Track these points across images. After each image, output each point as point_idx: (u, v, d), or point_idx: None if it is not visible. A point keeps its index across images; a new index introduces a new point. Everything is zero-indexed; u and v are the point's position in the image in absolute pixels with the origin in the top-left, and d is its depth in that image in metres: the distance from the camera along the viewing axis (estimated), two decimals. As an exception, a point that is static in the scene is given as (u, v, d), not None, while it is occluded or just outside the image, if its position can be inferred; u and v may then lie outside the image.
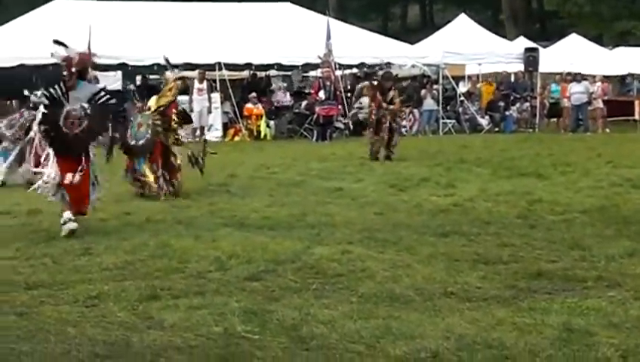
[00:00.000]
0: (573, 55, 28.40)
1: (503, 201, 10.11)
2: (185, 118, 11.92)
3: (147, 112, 11.48)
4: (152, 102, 11.64)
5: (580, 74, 24.74)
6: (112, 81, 26.42)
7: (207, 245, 7.53)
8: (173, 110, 11.60)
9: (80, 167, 8.42)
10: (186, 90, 22.71)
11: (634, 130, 24.61)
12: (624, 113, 26.48)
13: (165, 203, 10.48)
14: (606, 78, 27.05)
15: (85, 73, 9.02)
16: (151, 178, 11.14)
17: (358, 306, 5.51)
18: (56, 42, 9.27)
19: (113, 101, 8.83)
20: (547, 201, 10.02)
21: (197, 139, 22.56)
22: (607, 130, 24.43)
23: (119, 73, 25.64)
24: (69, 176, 8.39)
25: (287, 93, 26.83)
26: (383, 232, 8.12)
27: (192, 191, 11.50)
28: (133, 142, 11.27)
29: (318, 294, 5.86)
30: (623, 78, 31.55)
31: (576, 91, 23.94)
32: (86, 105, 8.50)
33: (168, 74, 12.09)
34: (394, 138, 16.05)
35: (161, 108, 11.42)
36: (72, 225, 8.25)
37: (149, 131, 11.28)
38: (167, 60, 12.35)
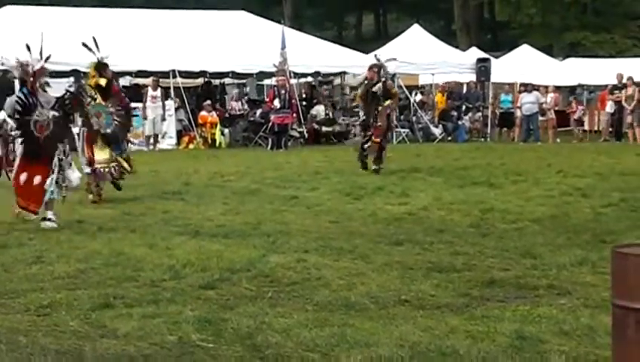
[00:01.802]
0: (525, 65, 28.80)
1: (456, 210, 10.21)
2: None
3: (94, 103, 11.54)
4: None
5: (530, 84, 25.09)
6: (64, 87, 26.12)
7: (161, 253, 7.49)
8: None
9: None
10: (139, 97, 22.60)
11: (583, 140, 25.03)
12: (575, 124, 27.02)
13: (118, 211, 10.38)
14: (557, 89, 27.46)
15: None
16: (125, 163, 11.63)
17: (314, 314, 5.52)
18: (28, 48, 10.09)
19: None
20: (499, 210, 10.15)
21: (151, 147, 22.49)
22: (558, 140, 24.80)
23: (71, 79, 25.35)
24: (23, 176, 9.17)
25: (241, 101, 26.78)
26: (338, 241, 8.15)
27: (146, 199, 11.43)
28: (104, 131, 11.52)
29: (274, 302, 5.86)
30: (573, 88, 32.05)
31: (527, 101, 24.26)
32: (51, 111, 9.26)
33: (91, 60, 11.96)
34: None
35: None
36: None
37: (112, 118, 11.59)
38: (85, 45, 12.04)
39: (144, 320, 5.39)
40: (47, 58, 10.06)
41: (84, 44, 11.83)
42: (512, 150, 20.56)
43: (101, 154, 11.52)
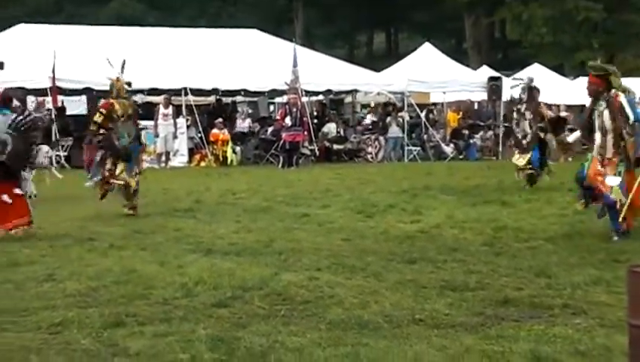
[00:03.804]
0: (536, 84, 28.70)
1: (469, 228, 10.15)
2: None
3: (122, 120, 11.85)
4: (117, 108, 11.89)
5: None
6: (77, 105, 26.29)
7: (173, 271, 7.46)
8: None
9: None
10: (151, 114, 22.68)
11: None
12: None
13: (129, 228, 10.37)
14: (568, 108, 27.40)
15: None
16: (132, 181, 11.85)
17: (327, 333, 5.47)
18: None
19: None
20: (512, 229, 10.08)
21: (162, 165, 22.53)
22: (570, 159, 24.69)
23: (83, 97, 25.49)
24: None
25: (248, 120, 26.84)
26: (351, 258, 8.10)
27: (157, 217, 11.42)
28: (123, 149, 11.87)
29: (286, 321, 5.82)
30: (584, 107, 31.98)
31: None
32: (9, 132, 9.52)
33: (111, 76, 12.08)
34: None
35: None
36: None
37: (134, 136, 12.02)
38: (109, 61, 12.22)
39: (156, 338, 5.36)
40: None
41: (108, 61, 11.95)
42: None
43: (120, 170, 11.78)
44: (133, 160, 12.06)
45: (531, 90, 15.27)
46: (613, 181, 9.00)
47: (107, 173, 11.77)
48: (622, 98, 9.10)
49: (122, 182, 11.79)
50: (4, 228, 9.66)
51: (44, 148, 13.69)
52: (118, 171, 11.80)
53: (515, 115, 15.57)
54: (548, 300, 6.38)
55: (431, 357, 4.95)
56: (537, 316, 5.96)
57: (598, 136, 9.29)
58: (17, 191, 9.79)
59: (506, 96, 26.29)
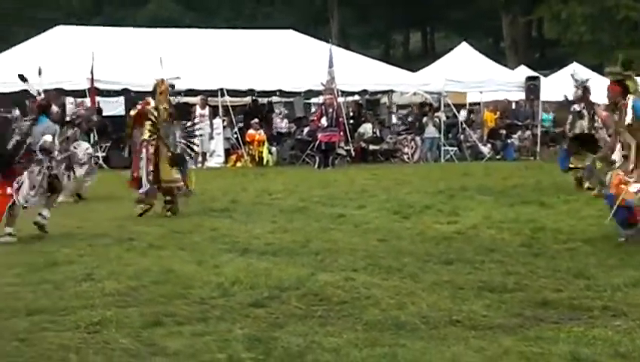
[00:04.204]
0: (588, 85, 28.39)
1: (507, 229, 10.06)
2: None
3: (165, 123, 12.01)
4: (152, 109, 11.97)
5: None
6: (115, 106, 26.53)
7: (210, 271, 7.49)
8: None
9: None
10: (187, 115, 22.81)
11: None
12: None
13: (167, 228, 10.44)
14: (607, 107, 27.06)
15: None
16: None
17: (364, 334, 5.46)
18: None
19: None
20: (551, 230, 9.97)
21: (199, 165, 22.66)
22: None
23: (121, 99, 25.72)
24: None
25: (285, 120, 26.90)
26: (387, 259, 8.08)
27: (194, 217, 11.49)
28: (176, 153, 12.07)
29: (323, 321, 5.81)
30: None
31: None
32: None
33: (156, 78, 12.17)
34: None
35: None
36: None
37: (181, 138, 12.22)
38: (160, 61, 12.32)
39: (194, 338, 5.38)
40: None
41: (160, 61, 12.09)
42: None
43: (169, 174, 11.85)
44: (185, 166, 12.25)
45: (585, 90, 15.03)
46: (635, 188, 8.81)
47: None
48: (630, 101, 8.95)
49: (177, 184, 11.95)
50: None
51: (84, 145, 13.91)
52: (168, 175, 11.86)
53: (570, 115, 15.19)
54: (587, 302, 6.31)
55: (469, 359, 4.92)
56: (576, 318, 5.89)
57: (618, 144, 9.17)
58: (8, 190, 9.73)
59: (544, 96, 26.11)
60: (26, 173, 9.68)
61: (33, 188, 9.70)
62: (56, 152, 9.96)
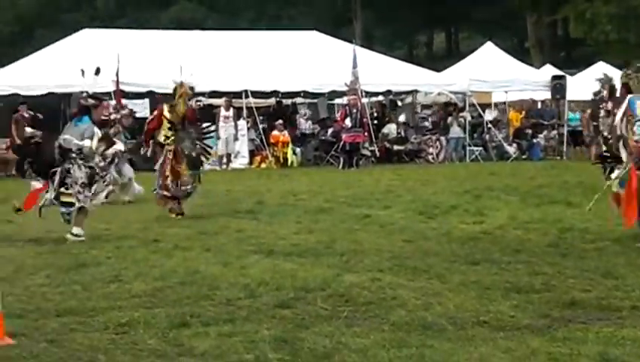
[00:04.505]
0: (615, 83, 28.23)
1: (533, 229, 10.01)
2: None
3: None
4: (166, 113, 12.00)
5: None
6: (140, 108, 26.65)
7: (236, 272, 7.51)
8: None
9: None
10: (212, 117, 22.89)
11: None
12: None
13: (193, 230, 10.48)
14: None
15: None
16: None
17: (390, 335, 5.44)
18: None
19: None
20: (578, 230, 9.91)
21: (224, 167, 22.73)
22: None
23: (147, 101, 25.84)
24: None
25: (310, 121, 26.90)
26: (413, 260, 8.06)
27: (220, 218, 11.52)
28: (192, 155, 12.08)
29: (349, 322, 5.80)
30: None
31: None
32: None
33: (175, 80, 12.19)
34: None
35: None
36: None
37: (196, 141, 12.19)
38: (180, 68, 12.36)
39: (221, 338, 5.40)
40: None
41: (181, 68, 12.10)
42: (589, 168, 20.09)
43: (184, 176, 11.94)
44: (199, 168, 12.26)
45: (613, 89, 14.89)
46: None
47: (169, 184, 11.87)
48: (627, 98, 8.98)
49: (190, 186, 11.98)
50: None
51: (119, 145, 13.99)
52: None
53: (602, 113, 15.06)
54: (616, 302, 6.26)
55: (497, 360, 4.89)
56: (605, 318, 5.85)
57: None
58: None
59: (570, 95, 25.92)
60: (60, 168, 9.85)
61: (83, 186, 9.83)
62: (97, 157, 10.04)
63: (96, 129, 10.09)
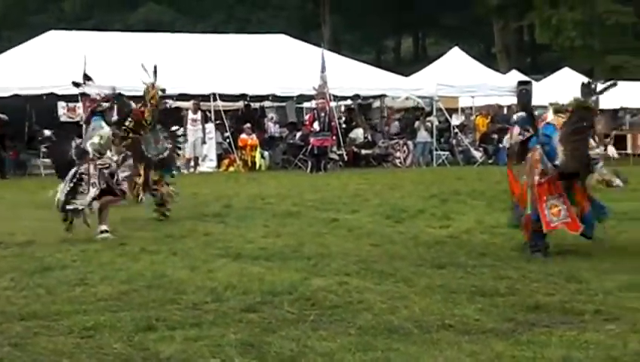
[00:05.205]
0: (566, 88, 28.53)
1: (499, 234, 10.08)
2: None
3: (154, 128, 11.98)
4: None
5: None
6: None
7: (203, 276, 7.49)
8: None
9: None
10: (180, 120, 22.79)
11: (627, 163, 24.67)
12: (616, 147, 26.58)
13: (160, 233, 10.43)
14: (599, 112, 27.16)
15: None
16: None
17: (357, 338, 5.46)
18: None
19: None
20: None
21: (191, 170, 22.64)
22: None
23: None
24: None
25: (278, 125, 26.92)
26: (380, 263, 8.09)
27: (187, 221, 11.48)
28: (155, 157, 11.96)
29: (316, 326, 5.81)
30: (615, 111, 31.69)
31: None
32: None
33: (146, 82, 12.13)
34: None
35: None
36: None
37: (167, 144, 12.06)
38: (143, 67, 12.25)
39: (187, 342, 5.38)
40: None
41: (143, 66, 12.00)
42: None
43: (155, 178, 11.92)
44: (170, 167, 12.20)
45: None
46: None
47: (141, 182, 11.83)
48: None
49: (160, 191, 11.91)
50: None
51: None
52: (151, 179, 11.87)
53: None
54: (579, 306, 6.33)
55: (462, 363, 4.93)
56: (569, 322, 5.91)
57: None
58: None
59: (536, 100, 26.16)
60: (75, 168, 9.97)
61: (94, 186, 9.90)
62: (108, 152, 10.09)
63: (107, 128, 10.17)
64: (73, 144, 10.21)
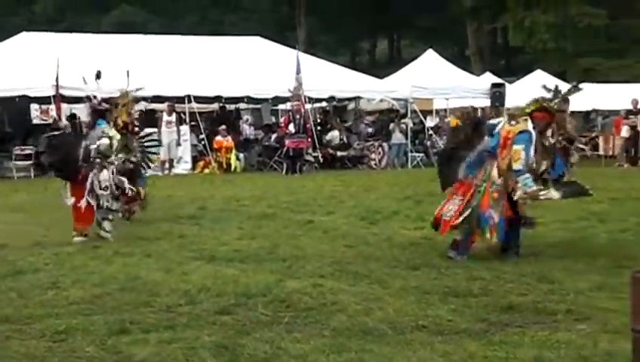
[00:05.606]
0: (538, 91, 28.72)
1: (473, 235, 10.12)
2: None
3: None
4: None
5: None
6: (80, 112, 26.29)
7: (177, 278, 7.47)
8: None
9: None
10: (154, 122, 22.71)
11: (598, 165, 24.91)
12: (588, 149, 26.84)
13: (134, 235, 10.38)
14: (571, 114, 27.38)
15: None
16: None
17: (331, 340, 5.47)
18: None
19: None
20: (516, 235, 10.04)
21: (166, 172, 22.55)
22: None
23: (87, 105, 25.48)
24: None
25: (253, 127, 26.89)
26: (354, 265, 8.11)
27: (161, 224, 11.43)
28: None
29: (290, 328, 5.82)
30: (587, 113, 31.98)
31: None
32: None
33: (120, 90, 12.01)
34: None
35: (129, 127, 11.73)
36: None
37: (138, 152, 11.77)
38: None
39: (160, 345, 5.36)
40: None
41: (127, 73, 11.89)
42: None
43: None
44: (142, 174, 12.06)
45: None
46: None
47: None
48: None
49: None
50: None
51: None
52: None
53: None
54: (552, 306, 6.38)
55: (435, 364, 4.95)
56: (541, 322, 5.96)
57: None
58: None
59: (509, 102, 26.35)
60: (91, 174, 9.95)
61: (105, 189, 9.92)
62: (114, 156, 10.01)
63: (108, 127, 10.21)
64: (83, 144, 10.09)
